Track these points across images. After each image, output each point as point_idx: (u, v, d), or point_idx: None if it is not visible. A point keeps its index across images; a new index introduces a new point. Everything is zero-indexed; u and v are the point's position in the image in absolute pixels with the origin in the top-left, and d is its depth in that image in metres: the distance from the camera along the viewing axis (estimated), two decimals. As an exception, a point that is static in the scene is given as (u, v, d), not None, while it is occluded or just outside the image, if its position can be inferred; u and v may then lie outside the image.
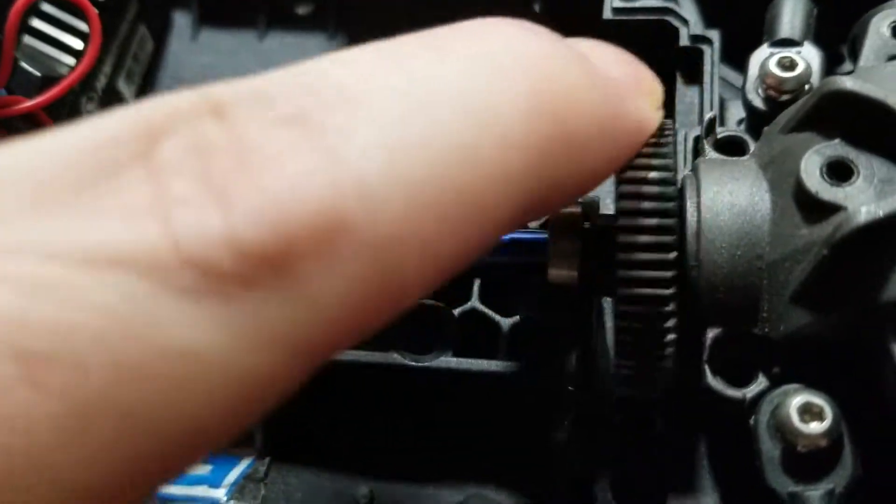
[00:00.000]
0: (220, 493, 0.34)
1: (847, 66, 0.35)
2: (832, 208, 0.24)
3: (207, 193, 0.14)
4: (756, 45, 0.33)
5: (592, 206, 0.30)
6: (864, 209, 0.23)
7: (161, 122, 0.14)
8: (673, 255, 0.24)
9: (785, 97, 0.30)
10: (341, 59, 0.17)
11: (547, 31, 0.19)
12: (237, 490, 0.34)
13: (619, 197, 0.24)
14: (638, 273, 0.24)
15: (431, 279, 0.16)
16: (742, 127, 0.32)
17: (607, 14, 0.36)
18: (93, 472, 0.13)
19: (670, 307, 0.24)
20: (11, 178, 0.13)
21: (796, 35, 0.32)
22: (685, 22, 0.35)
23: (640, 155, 0.24)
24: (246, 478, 0.35)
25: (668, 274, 0.24)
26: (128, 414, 0.13)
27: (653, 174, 0.24)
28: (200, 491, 0.35)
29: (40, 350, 0.12)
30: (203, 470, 0.35)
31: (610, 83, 0.20)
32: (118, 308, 0.13)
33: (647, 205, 0.24)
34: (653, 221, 0.24)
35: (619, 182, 0.24)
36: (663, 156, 0.24)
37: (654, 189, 0.24)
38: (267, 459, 0.35)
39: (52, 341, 0.12)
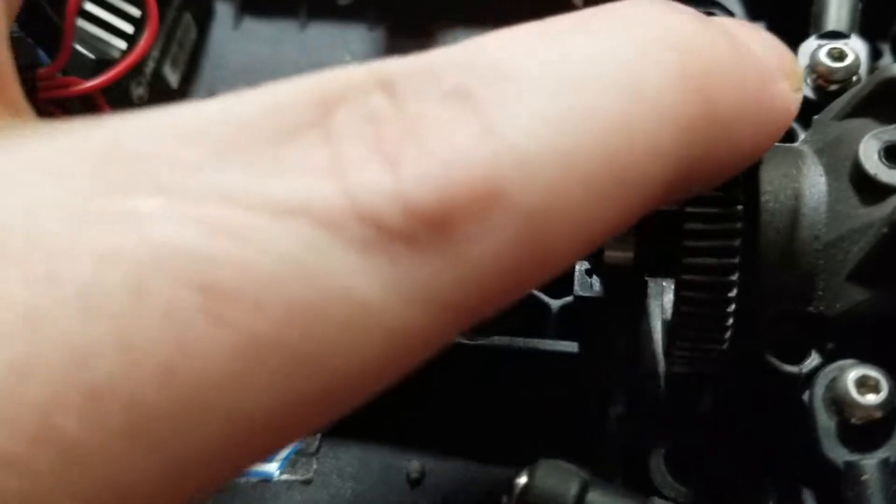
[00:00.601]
0: (273, 466, 0.35)
1: (886, 60, 0.37)
2: (890, 189, 0.25)
3: (379, 157, 0.15)
4: (795, 37, 0.34)
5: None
6: (923, 189, 0.24)
7: (335, 93, 0.15)
8: (738, 241, 0.25)
9: (834, 87, 0.31)
10: (498, 37, 0.17)
11: (692, 10, 0.20)
12: (289, 464, 0.35)
13: (686, 202, 0.25)
14: (703, 260, 0.25)
15: (578, 249, 0.17)
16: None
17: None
18: (259, 405, 0.14)
19: (733, 292, 0.25)
20: (199, 132, 0.14)
21: (843, 27, 0.33)
22: (731, 14, 0.36)
23: None
24: (298, 452, 0.35)
25: (733, 260, 0.25)
26: (296, 352, 0.14)
27: None
28: (253, 465, 0.36)
29: (223, 285, 0.13)
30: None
31: (756, 61, 0.20)
32: (296, 253, 0.14)
33: (713, 192, 0.25)
34: (719, 209, 0.25)
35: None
36: None
37: (720, 194, 0.25)
38: (319, 435, 0.35)
39: (235, 278, 0.13)
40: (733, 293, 0.26)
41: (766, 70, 0.21)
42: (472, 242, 0.15)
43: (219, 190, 0.14)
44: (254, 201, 0.14)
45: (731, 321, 0.26)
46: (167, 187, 0.14)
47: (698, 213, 0.25)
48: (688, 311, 0.26)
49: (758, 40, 0.21)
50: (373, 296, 0.14)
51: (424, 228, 0.15)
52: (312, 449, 0.35)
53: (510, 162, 0.15)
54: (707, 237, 0.25)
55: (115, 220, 0.13)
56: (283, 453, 0.35)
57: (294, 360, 0.14)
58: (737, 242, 0.25)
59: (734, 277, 0.25)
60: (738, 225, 0.25)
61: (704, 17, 0.20)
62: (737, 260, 0.25)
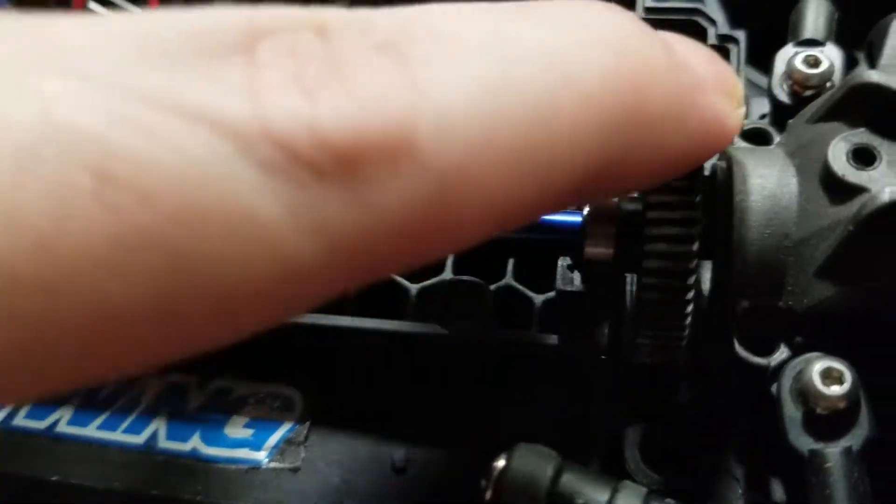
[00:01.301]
0: (262, 455, 0.36)
1: (862, 67, 0.38)
2: (857, 190, 0.26)
3: (298, 87, 0.15)
4: (774, 45, 0.35)
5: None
6: (888, 189, 0.25)
7: (266, 25, 0.16)
8: (696, 229, 0.26)
9: (809, 92, 0.32)
10: (444, 7, 0.18)
11: (638, 19, 0.20)
12: (278, 452, 0.36)
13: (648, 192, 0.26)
14: (661, 246, 0.26)
15: (485, 225, 0.17)
16: (766, 120, 0.34)
17: (639, 13, 0.38)
18: (132, 299, 0.14)
19: (691, 280, 0.26)
20: (129, 34, 0.15)
21: (819, 35, 0.34)
22: (713, 22, 0.37)
23: None
24: (286, 441, 0.36)
25: (691, 248, 0.26)
26: (179, 255, 0.14)
27: None
28: (242, 453, 0.37)
29: (117, 173, 0.13)
30: (245, 433, 0.37)
31: (690, 73, 0.20)
32: (200, 157, 0.14)
33: (675, 182, 0.26)
34: (678, 198, 0.26)
35: None
36: None
37: (681, 183, 0.26)
38: (307, 424, 0.36)
39: (130, 168, 0.13)
40: (691, 281, 0.26)
41: (699, 82, 0.21)
42: (377, 188, 0.15)
43: (134, 86, 0.14)
44: (166, 102, 0.14)
45: (689, 310, 0.27)
46: (84, 75, 0.14)
47: (659, 201, 0.26)
48: (647, 299, 0.27)
49: (696, 55, 0.22)
50: (269, 216, 0.14)
51: (332, 162, 0.15)
52: (301, 438, 0.36)
53: (427, 118, 0.16)
54: (665, 224, 0.26)
55: (20, 95, 0.13)
56: (272, 442, 0.36)
57: (175, 263, 0.14)
58: (695, 230, 0.26)
59: (692, 265, 0.26)
60: (697, 213, 0.26)
61: (647, 26, 0.20)
62: (695, 248, 0.26)
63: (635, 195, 0.31)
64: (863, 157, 0.27)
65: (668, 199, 0.26)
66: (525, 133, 0.17)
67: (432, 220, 0.16)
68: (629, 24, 0.19)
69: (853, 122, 0.28)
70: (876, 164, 0.27)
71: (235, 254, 0.14)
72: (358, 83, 0.15)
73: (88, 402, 0.39)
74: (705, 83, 0.21)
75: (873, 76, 0.27)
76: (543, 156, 0.17)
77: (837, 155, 0.27)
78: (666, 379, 0.32)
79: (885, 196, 0.25)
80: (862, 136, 0.27)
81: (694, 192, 0.26)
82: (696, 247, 0.26)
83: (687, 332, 0.28)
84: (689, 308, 0.26)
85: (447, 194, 0.16)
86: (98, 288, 0.14)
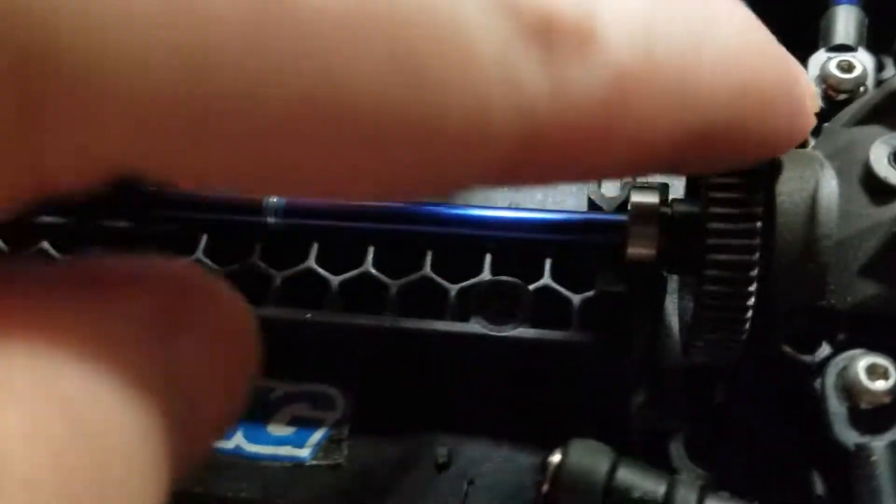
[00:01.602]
0: (305, 452, 0.37)
1: (889, 72, 0.39)
2: (899, 191, 0.27)
3: None
4: (804, 49, 0.36)
5: (666, 191, 0.33)
6: (930, 192, 0.26)
7: None
8: (757, 240, 0.27)
9: (842, 97, 0.33)
10: None
11: None
12: (321, 450, 0.37)
13: (711, 186, 0.27)
14: (725, 256, 0.27)
15: (636, 149, 0.18)
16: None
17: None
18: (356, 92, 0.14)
19: (752, 287, 0.27)
20: None
21: (851, 41, 0.35)
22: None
23: None
24: (329, 439, 0.37)
25: (753, 258, 0.27)
26: (398, 45, 0.14)
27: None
28: (285, 451, 0.37)
29: None
30: (287, 431, 0.38)
31: (795, 63, 0.22)
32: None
33: (734, 195, 0.27)
34: (740, 210, 0.27)
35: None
36: None
37: (743, 180, 0.27)
38: (348, 422, 0.37)
39: None
40: (752, 288, 0.27)
41: (800, 75, 0.22)
42: (568, 66, 0.16)
43: None
44: None
45: (749, 314, 0.28)
46: None
47: (721, 213, 0.27)
48: (710, 305, 0.28)
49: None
50: (479, 51, 0.15)
51: (529, 20, 0.16)
52: (343, 435, 0.37)
53: (607, 14, 0.17)
54: (729, 236, 0.27)
55: None
56: (315, 440, 0.37)
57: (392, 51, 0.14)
58: (756, 241, 0.27)
59: (753, 273, 0.27)
60: (758, 224, 0.27)
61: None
62: (756, 257, 0.27)
63: (676, 197, 0.32)
64: (904, 159, 0.28)
65: (730, 211, 0.27)
66: (676, 66, 0.18)
67: (604, 120, 0.17)
68: (749, 10, 0.21)
69: (892, 126, 0.29)
70: (917, 167, 0.27)
71: (445, 70, 0.15)
72: None
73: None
74: (804, 79, 0.23)
75: (914, 81, 0.28)
76: (686, 96, 0.18)
77: (879, 157, 0.28)
78: (707, 377, 0.33)
79: (929, 198, 0.26)
80: (903, 139, 0.28)
81: (755, 203, 0.27)
82: (757, 255, 0.27)
83: (745, 334, 0.29)
84: (749, 313, 0.27)
85: (622, 94, 0.17)
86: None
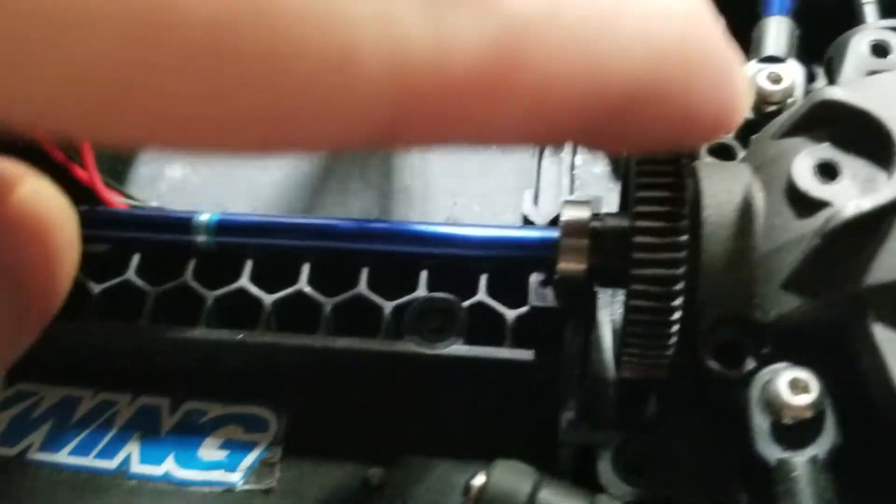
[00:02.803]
0: (236, 476, 0.36)
1: (820, 83, 0.39)
2: (821, 204, 0.27)
3: None
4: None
5: (598, 205, 0.33)
6: (850, 204, 0.26)
7: None
8: (683, 254, 0.27)
9: (771, 108, 0.33)
10: None
11: None
12: (252, 474, 0.36)
13: (637, 201, 0.27)
14: (651, 271, 0.27)
15: (533, 110, 0.17)
16: (732, 135, 0.35)
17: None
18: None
19: (678, 301, 0.27)
20: None
21: (781, 52, 0.35)
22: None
23: (655, 161, 0.27)
24: (261, 462, 0.36)
25: (678, 272, 0.27)
26: None
27: (663, 178, 0.26)
28: (216, 475, 0.36)
29: None
30: (219, 455, 0.37)
31: (733, 48, 0.21)
32: None
33: (660, 208, 0.27)
34: (666, 224, 0.27)
35: (638, 186, 0.27)
36: (676, 158, 0.27)
37: (670, 193, 0.26)
38: (281, 445, 0.36)
39: None
40: (678, 302, 0.27)
41: (737, 61, 0.21)
42: (457, 15, 0.15)
43: None
44: None
45: (676, 328, 0.28)
46: None
47: (646, 227, 0.27)
48: (636, 319, 0.28)
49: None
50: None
51: None
52: (275, 458, 0.36)
53: None
54: (654, 250, 0.27)
55: None
56: (247, 464, 0.36)
57: None
58: (681, 255, 0.27)
59: (679, 287, 0.27)
60: (683, 238, 0.27)
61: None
62: (681, 271, 0.27)
63: (608, 212, 0.32)
64: (827, 171, 0.27)
65: (656, 225, 0.27)
66: (588, 29, 0.17)
67: (495, 77, 0.16)
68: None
69: (817, 138, 0.28)
70: (839, 179, 0.27)
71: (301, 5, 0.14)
72: None
73: (60, 427, 0.38)
74: (737, 63, 0.21)
75: (837, 93, 0.28)
76: (596, 62, 0.17)
77: (802, 170, 0.28)
78: (638, 391, 0.33)
79: (849, 211, 0.26)
80: (826, 151, 0.28)
81: (681, 217, 0.26)
82: (682, 270, 0.26)
83: (672, 348, 0.28)
84: (676, 327, 0.27)
85: (514, 50, 0.16)
86: None
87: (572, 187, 0.40)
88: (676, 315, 0.27)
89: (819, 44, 0.37)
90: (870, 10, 0.39)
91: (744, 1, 0.38)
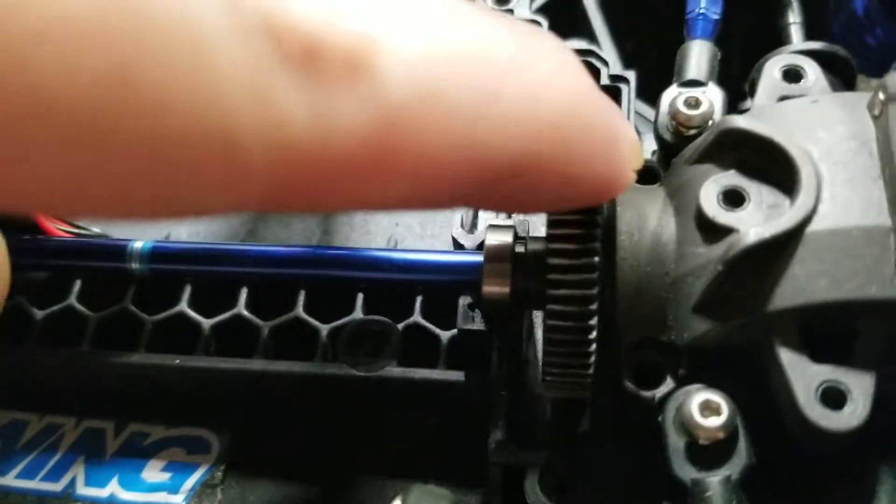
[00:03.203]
0: (179, 498, 0.37)
1: (748, 102, 0.39)
2: (727, 230, 0.28)
3: None
4: (668, 82, 0.36)
5: (523, 229, 0.33)
6: (752, 231, 0.27)
7: None
8: (596, 274, 0.27)
9: (691, 132, 0.34)
10: None
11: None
12: (195, 496, 0.37)
13: (551, 224, 0.27)
14: (565, 291, 0.27)
15: (410, 182, 0.18)
16: (655, 158, 0.36)
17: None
18: (67, 90, 0.14)
19: (594, 321, 0.28)
20: None
21: (702, 76, 0.36)
22: (605, 63, 0.39)
23: None
24: (203, 484, 0.37)
25: (592, 292, 0.27)
26: (125, 57, 0.14)
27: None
28: (159, 497, 0.37)
29: None
30: (162, 477, 0.38)
31: (615, 119, 0.22)
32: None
33: (573, 231, 0.27)
34: (579, 246, 0.27)
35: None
36: None
37: (581, 217, 0.27)
38: (223, 466, 0.37)
39: None
40: (594, 322, 0.28)
41: (619, 131, 0.22)
42: (334, 96, 0.16)
43: None
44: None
45: (594, 348, 0.29)
46: None
47: (559, 249, 0.27)
48: (554, 339, 0.28)
49: (619, 111, 0.23)
50: (223, 64, 0.15)
51: (295, 47, 0.16)
52: (217, 480, 0.37)
53: (387, 51, 0.17)
54: (567, 271, 0.27)
55: None
56: (189, 485, 0.37)
57: (120, 65, 0.14)
58: (595, 276, 0.28)
59: (594, 308, 0.28)
60: (596, 259, 0.28)
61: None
62: (595, 292, 0.28)
63: (532, 236, 0.33)
64: (732, 198, 0.28)
65: (569, 247, 0.27)
66: (468, 107, 0.18)
67: (374, 153, 0.17)
68: (574, 57, 0.21)
69: (724, 165, 0.29)
70: (744, 206, 0.28)
71: (180, 89, 0.14)
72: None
73: (7, 450, 0.39)
74: (621, 133, 0.23)
75: (740, 121, 0.29)
76: (477, 136, 0.18)
77: (708, 197, 0.28)
78: (566, 411, 0.34)
79: (749, 238, 0.26)
80: (731, 178, 0.29)
81: (593, 238, 0.27)
82: (597, 289, 0.27)
83: (592, 368, 0.29)
84: (594, 346, 0.28)
85: (395, 130, 0.17)
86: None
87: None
88: (593, 335, 0.28)
89: (746, 65, 0.38)
90: (795, 30, 0.40)
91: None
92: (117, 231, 0.41)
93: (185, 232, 0.44)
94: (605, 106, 0.22)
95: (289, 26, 0.16)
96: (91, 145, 0.14)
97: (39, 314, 0.39)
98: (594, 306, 0.28)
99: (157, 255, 0.37)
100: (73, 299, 0.39)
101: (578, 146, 0.21)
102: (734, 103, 0.38)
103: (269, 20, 0.15)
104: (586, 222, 0.28)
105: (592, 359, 0.29)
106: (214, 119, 0.15)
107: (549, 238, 0.28)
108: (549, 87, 0.20)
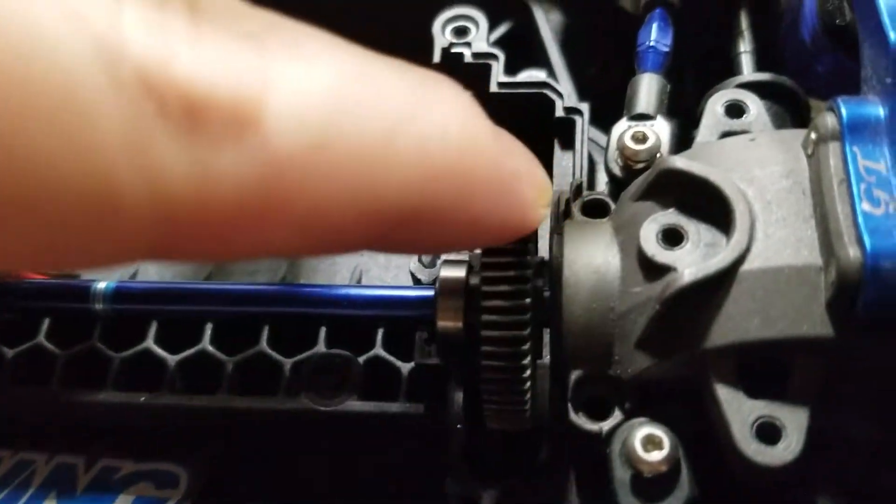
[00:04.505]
0: (148, 531, 0.38)
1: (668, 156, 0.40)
2: (665, 269, 0.28)
3: (159, 27, 0.16)
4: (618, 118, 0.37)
5: (479, 262, 0.34)
6: (687, 271, 0.27)
7: None
8: (528, 315, 0.28)
9: (640, 165, 0.34)
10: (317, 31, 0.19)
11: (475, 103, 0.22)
12: (163, 528, 0.37)
13: (482, 266, 0.28)
14: (497, 333, 0.28)
15: (303, 233, 0.18)
16: (607, 190, 0.36)
17: (493, 88, 0.40)
18: None
19: (527, 360, 0.28)
20: None
21: (651, 110, 0.36)
22: (560, 95, 0.39)
23: None
24: (172, 517, 0.38)
25: (523, 333, 0.28)
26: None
27: (508, 245, 0.28)
28: (128, 531, 0.38)
29: None
30: (131, 511, 0.38)
31: (513, 161, 0.23)
32: (57, 40, 0.15)
33: (507, 273, 0.28)
34: (510, 287, 0.28)
35: (484, 252, 0.28)
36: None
37: (512, 259, 0.28)
38: (190, 500, 0.38)
39: None
40: (527, 361, 0.29)
41: (519, 174, 0.23)
42: (218, 151, 0.16)
43: None
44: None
45: (527, 385, 0.29)
46: None
47: (492, 276, 0.28)
48: (488, 378, 0.29)
49: (520, 151, 0.24)
50: (103, 127, 0.15)
51: (177, 103, 0.16)
52: (185, 513, 0.38)
53: (276, 104, 0.17)
54: (501, 313, 0.28)
55: None
56: (158, 518, 0.38)
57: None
58: (527, 317, 0.28)
59: (526, 348, 0.28)
60: (527, 286, 0.28)
61: (485, 116, 0.22)
62: (527, 317, 0.28)
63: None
64: (671, 237, 0.29)
65: (499, 275, 0.28)
66: (359, 156, 0.18)
67: (261, 205, 0.17)
68: (472, 104, 0.22)
69: (664, 203, 0.30)
70: (683, 244, 0.29)
71: (59, 148, 0.15)
72: (216, 49, 0.17)
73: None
74: (523, 175, 0.23)
75: (678, 162, 0.29)
76: (370, 184, 0.19)
77: (648, 235, 0.29)
78: (522, 443, 0.34)
79: (685, 278, 0.27)
80: (671, 217, 0.29)
81: (524, 266, 0.28)
82: (528, 316, 0.28)
83: (528, 398, 0.30)
84: (527, 374, 0.28)
85: (280, 181, 0.17)
86: None
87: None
88: (526, 373, 0.29)
89: (696, 97, 0.38)
90: (745, 59, 0.41)
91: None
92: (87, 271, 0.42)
93: (153, 268, 0.45)
94: (503, 150, 0.22)
95: (170, 82, 0.16)
96: None
97: (10, 353, 0.39)
98: (526, 346, 0.28)
99: (121, 295, 0.38)
100: (41, 338, 0.39)
101: (475, 191, 0.21)
102: (689, 129, 0.39)
103: (148, 77, 0.16)
104: (518, 264, 0.28)
105: (527, 394, 0.30)
106: (95, 175, 0.16)
107: (483, 280, 0.28)
108: (442, 136, 0.20)
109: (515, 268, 0.28)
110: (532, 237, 0.28)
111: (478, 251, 0.37)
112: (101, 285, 0.38)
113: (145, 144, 0.16)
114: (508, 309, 0.28)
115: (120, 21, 0.16)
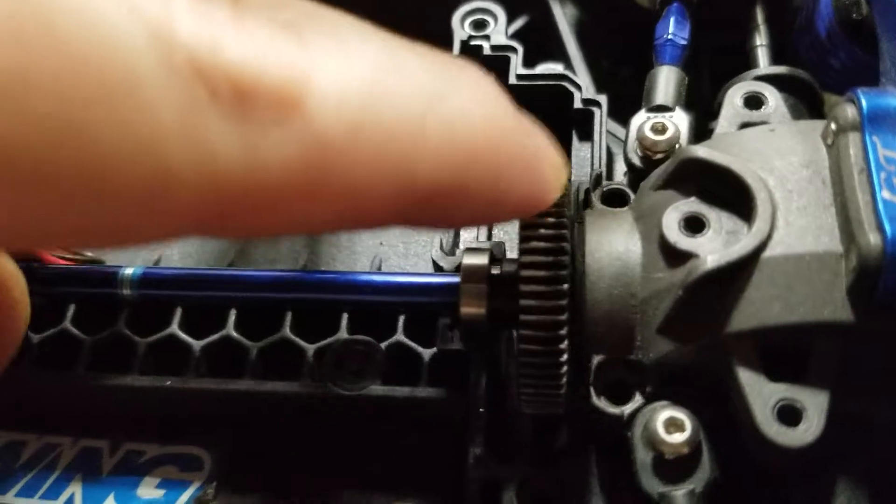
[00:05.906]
0: (172, 514, 0.38)
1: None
2: (687, 256, 0.29)
3: (207, 19, 0.17)
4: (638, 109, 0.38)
5: (500, 251, 0.35)
6: (710, 257, 0.28)
7: None
8: (565, 301, 0.29)
9: (658, 156, 0.35)
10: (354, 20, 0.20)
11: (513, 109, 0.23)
12: (187, 511, 0.38)
13: (521, 251, 0.29)
14: (536, 317, 0.29)
15: (344, 208, 0.20)
16: (626, 180, 0.37)
17: (512, 80, 0.41)
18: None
19: (563, 344, 0.29)
20: None
21: (669, 102, 0.37)
22: (578, 87, 0.40)
23: (539, 213, 0.29)
24: (196, 500, 0.38)
25: (562, 318, 0.29)
26: (66, 103, 0.15)
27: (546, 231, 0.29)
28: (154, 513, 0.38)
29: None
30: (156, 494, 0.39)
31: (534, 142, 0.24)
32: (116, 28, 0.16)
33: (543, 258, 0.29)
34: (549, 273, 0.29)
35: (521, 234, 0.29)
36: (559, 213, 0.29)
37: (550, 244, 0.29)
38: (215, 483, 0.38)
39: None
40: (564, 345, 0.29)
41: (539, 152, 0.24)
42: (265, 134, 0.17)
43: None
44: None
45: (565, 369, 0.30)
46: None
47: (531, 276, 0.29)
48: (527, 362, 0.30)
49: (541, 134, 0.24)
50: (158, 110, 0.16)
51: (227, 88, 0.17)
52: (209, 496, 0.38)
53: (317, 88, 0.18)
54: (539, 297, 0.29)
55: None
56: (183, 501, 0.38)
57: (60, 112, 0.15)
58: (564, 302, 0.29)
59: (563, 332, 0.29)
60: (566, 287, 0.29)
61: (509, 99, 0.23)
62: (565, 317, 0.29)
63: (508, 258, 0.34)
64: (693, 224, 0.30)
65: (538, 260, 0.29)
66: (394, 136, 0.19)
67: (304, 182, 0.18)
68: (495, 87, 0.23)
69: (685, 192, 0.31)
70: (704, 231, 0.29)
71: (120, 131, 0.16)
72: (261, 37, 0.18)
73: (6, 469, 0.40)
74: (544, 155, 0.24)
75: (699, 151, 0.30)
76: (403, 162, 0.20)
77: (670, 223, 0.30)
78: (543, 427, 0.35)
79: (708, 264, 0.28)
80: (692, 205, 0.30)
81: (562, 252, 0.29)
82: (566, 316, 0.28)
83: (564, 383, 0.30)
84: (565, 360, 0.29)
85: (324, 161, 0.18)
86: None
87: (490, 231, 0.41)
88: (564, 357, 0.30)
89: (714, 89, 0.39)
90: (761, 52, 0.41)
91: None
92: (111, 256, 0.43)
93: (177, 253, 0.45)
94: (525, 131, 0.23)
95: (220, 68, 0.17)
96: (38, 185, 0.16)
97: (36, 338, 0.40)
98: (563, 331, 0.29)
99: (147, 280, 0.38)
100: (67, 323, 0.40)
101: (500, 169, 0.22)
102: (705, 121, 0.39)
103: (200, 63, 0.17)
104: (556, 250, 0.29)
105: (564, 378, 0.30)
106: (153, 156, 0.16)
107: (521, 265, 0.29)
108: (470, 117, 0.21)
109: (554, 253, 0.29)
110: (565, 224, 0.29)
111: (495, 242, 0.38)
112: (129, 271, 0.38)
113: (199, 127, 0.17)
114: (547, 294, 0.28)
115: (171, 10, 0.17)
